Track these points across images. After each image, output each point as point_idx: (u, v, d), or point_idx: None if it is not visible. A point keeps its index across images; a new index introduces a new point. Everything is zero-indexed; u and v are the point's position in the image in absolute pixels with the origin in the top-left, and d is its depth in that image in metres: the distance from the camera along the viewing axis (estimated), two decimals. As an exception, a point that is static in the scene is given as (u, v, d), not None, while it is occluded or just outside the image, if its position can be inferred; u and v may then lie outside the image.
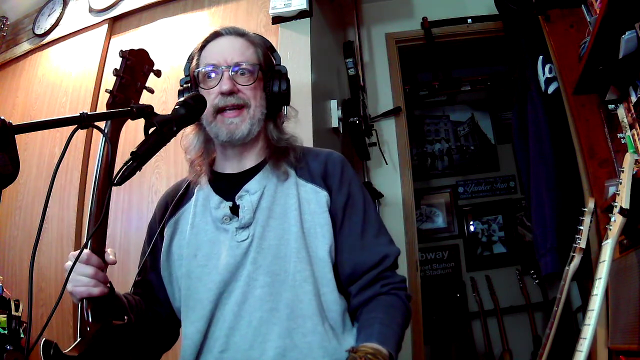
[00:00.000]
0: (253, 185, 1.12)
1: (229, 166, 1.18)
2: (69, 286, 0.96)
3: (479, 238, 4.04)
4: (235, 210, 1.10)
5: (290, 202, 1.09)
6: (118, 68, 1.10)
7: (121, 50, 1.13)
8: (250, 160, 1.17)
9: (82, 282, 0.96)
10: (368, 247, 1.10)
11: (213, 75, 1.12)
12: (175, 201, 1.20)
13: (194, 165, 1.18)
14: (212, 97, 1.10)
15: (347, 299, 1.10)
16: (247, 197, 1.10)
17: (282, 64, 1.22)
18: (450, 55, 3.61)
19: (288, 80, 1.19)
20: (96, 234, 1.00)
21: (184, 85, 1.19)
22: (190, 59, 1.20)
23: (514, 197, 4.08)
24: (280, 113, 1.21)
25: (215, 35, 1.17)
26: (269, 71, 1.18)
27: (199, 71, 1.14)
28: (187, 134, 1.19)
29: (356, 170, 2.81)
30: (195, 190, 1.18)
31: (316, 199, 1.10)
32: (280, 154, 1.15)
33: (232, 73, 1.11)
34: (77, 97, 2.45)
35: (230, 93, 1.10)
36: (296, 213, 1.08)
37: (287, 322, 1.00)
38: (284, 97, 1.18)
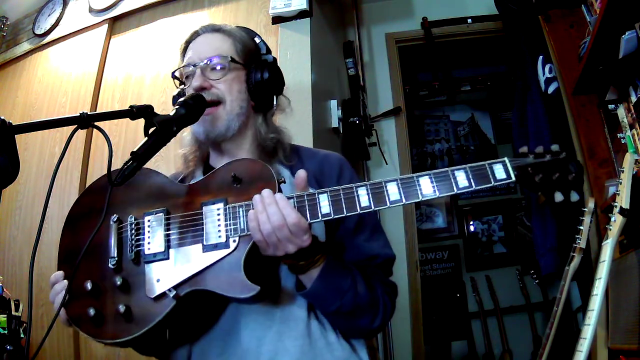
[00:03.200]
0: None
1: (219, 162, 1.14)
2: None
3: (479, 238, 4.04)
4: None
5: None
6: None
7: None
8: (238, 157, 1.12)
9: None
10: (357, 247, 1.07)
11: (191, 73, 1.11)
12: None
13: (187, 161, 1.17)
14: None
15: None
16: None
17: (277, 58, 1.20)
18: (450, 55, 3.61)
19: (275, 69, 1.13)
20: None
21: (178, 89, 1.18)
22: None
23: (514, 197, 4.08)
24: (272, 108, 1.16)
25: (195, 34, 1.17)
26: (252, 62, 1.13)
27: (180, 72, 1.14)
28: (185, 130, 1.19)
29: (356, 170, 2.81)
30: (189, 181, 1.17)
31: None
32: (270, 149, 1.12)
33: (203, 68, 1.08)
34: (77, 97, 2.45)
35: (202, 89, 1.06)
36: None
37: (280, 324, 0.99)
38: (269, 86, 1.11)
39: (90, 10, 2.58)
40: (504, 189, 4.11)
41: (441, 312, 3.74)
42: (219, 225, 0.91)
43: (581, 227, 1.87)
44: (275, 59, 1.19)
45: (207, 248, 0.90)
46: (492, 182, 0.83)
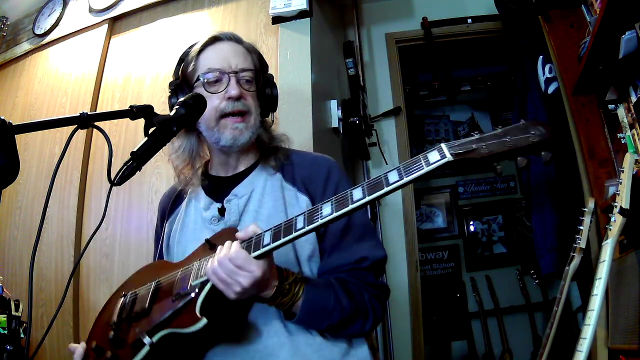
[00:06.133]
0: (241, 189, 1.14)
1: (222, 169, 1.21)
2: None
3: (479, 238, 4.04)
4: (223, 212, 1.13)
5: (277, 204, 1.11)
6: None
7: None
8: (242, 164, 1.19)
9: None
10: (346, 249, 1.09)
11: (219, 79, 1.12)
12: (170, 205, 1.25)
13: (180, 173, 1.20)
14: (216, 102, 1.11)
15: None
16: (235, 200, 1.13)
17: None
18: (450, 55, 3.61)
19: (276, 88, 1.24)
20: None
21: (173, 88, 1.19)
22: (182, 62, 1.20)
23: (514, 197, 4.08)
24: (267, 118, 1.24)
25: (214, 39, 1.18)
26: (265, 79, 1.22)
27: (200, 75, 1.14)
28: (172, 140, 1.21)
29: (356, 170, 2.81)
30: (188, 192, 1.21)
31: (297, 204, 1.11)
32: (270, 155, 1.17)
33: (239, 79, 1.13)
34: (77, 97, 2.45)
35: (238, 98, 1.11)
36: (282, 215, 1.08)
37: (275, 322, 1.02)
38: (275, 103, 1.23)
39: (90, 10, 2.58)
40: (504, 189, 4.11)
41: (441, 312, 3.74)
42: (186, 278, 1.02)
43: (581, 227, 1.87)
44: (272, 76, 1.26)
45: (175, 297, 1.01)
46: (426, 167, 0.76)
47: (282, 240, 0.88)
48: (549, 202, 2.93)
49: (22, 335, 1.68)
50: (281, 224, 0.91)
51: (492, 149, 0.74)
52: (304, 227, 0.86)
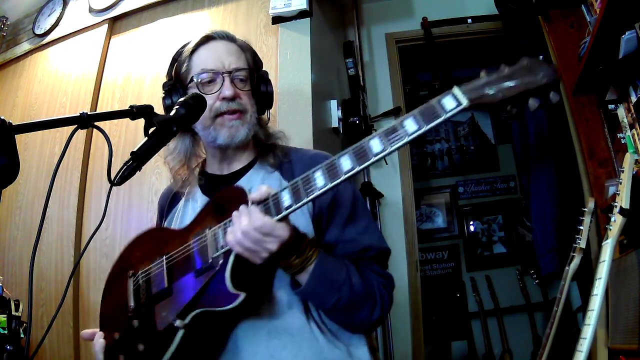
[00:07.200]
0: None
1: (219, 168, 1.20)
2: None
3: (479, 238, 4.04)
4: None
5: None
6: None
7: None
8: (239, 162, 1.18)
9: None
10: (349, 241, 1.07)
11: (212, 80, 1.12)
12: (168, 204, 1.24)
13: (176, 174, 1.20)
14: (211, 102, 1.10)
15: None
16: None
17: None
18: (450, 55, 3.61)
19: (271, 84, 1.23)
20: None
21: (167, 89, 1.18)
22: (176, 63, 1.20)
23: (514, 197, 4.08)
24: (263, 116, 1.24)
25: (207, 39, 1.17)
26: (259, 76, 1.22)
27: (194, 75, 1.13)
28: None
29: (356, 170, 2.81)
30: (186, 192, 1.20)
31: None
32: (267, 153, 1.17)
33: (233, 78, 1.13)
34: (77, 97, 2.45)
35: (233, 98, 1.11)
36: None
37: (273, 321, 1.00)
38: (271, 100, 1.22)
39: (90, 10, 2.58)
40: (504, 189, 4.11)
41: (441, 312, 3.74)
42: (204, 250, 0.97)
43: (581, 227, 1.87)
44: (267, 73, 1.25)
45: (198, 273, 0.96)
46: (444, 115, 0.77)
47: (304, 200, 0.85)
48: (549, 201, 2.93)
49: (22, 335, 1.68)
50: (297, 180, 0.88)
51: (505, 94, 0.75)
52: (326, 185, 0.83)
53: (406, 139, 0.79)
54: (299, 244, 0.93)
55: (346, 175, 0.83)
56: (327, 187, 0.84)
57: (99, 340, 1.05)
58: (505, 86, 0.75)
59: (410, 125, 0.79)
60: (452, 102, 0.77)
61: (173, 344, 0.92)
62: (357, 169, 0.82)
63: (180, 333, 0.92)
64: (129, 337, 1.02)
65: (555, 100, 0.75)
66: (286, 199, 0.88)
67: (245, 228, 0.87)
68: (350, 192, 1.13)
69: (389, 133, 0.81)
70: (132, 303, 1.04)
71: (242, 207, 0.91)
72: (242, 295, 0.88)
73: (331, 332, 1.04)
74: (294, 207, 0.87)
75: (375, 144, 0.82)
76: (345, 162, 0.84)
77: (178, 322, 0.92)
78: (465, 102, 0.76)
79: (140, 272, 1.08)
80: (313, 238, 0.98)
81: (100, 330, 1.09)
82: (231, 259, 0.92)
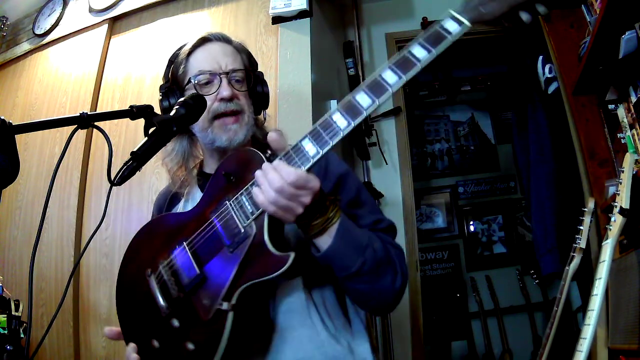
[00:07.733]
0: None
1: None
2: None
3: (479, 238, 4.04)
4: None
5: None
6: None
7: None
8: None
9: None
10: (358, 219, 1.05)
11: (209, 81, 1.13)
12: (167, 204, 1.24)
13: (174, 175, 1.20)
14: (208, 103, 1.10)
15: (342, 296, 1.09)
16: None
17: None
18: (450, 55, 3.60)
19: (267, 85, 1.24)
20: None
21: (164, 91, 1.18)
22: (172, 65, 1.20)
23: (514, 197, 4.08)
24: (259, 116, 1.24)
25: (204, 40, 1.18)
26: (255, 77, 1.22)
27: (192, 77, 1.14)
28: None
29: (356, 170, 2.81)
30: (185, 192, 1.21)
31: None
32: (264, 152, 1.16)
33: (230, 79, 1.13)
34: (77, 97, 2.45)
35: (231, 99, 1.11)
36: None
37: (277, 315, 1.01)
38: (267, 100, 1.23)
39: (90, 10, 2.58)
40: (504, 189, 4.11)
41: (441, 312, 3.74)
42: (231, 222, 0.92)
43: (581, 227, 1.87)
44: (262, 74, 1.26)
45: (231, 247, 0.91)
46: (450, 37, 0.81)
47: (330, 144, 0.84)
48: (549, 202, 2.93)
49: (22, 335, 1.68)
50: (316, 126, 0.86)
51: (498, 10, 0.79)
52: (349, 124, 0.84)
53: (419, 66, 0.81)
54: (324, 200, 0.90)
55: (367, 112, 0.82)
56: (352, 125, 0.83)
57: (132, 356, 0.98)
58: (497, 2, 0.79)
59: (420, 52, 0.82)
60: (454, 24, 0.82)
61: (226, 330, 0.86)
62: (377, 102, 0.82)
63: (230, 315, 0.86)
64: (171, 340, 0.95)
65: (544, 12, 0.79)
66: (309, 147, 0.85)
67: (279, 184, 0.83)
68: (355, 180, 1.13)
69: (399, 63, 0.83)
70: (162, 302, 0.97)
71: (266, 165, 0.87)
72: (292, 254, 0.84)
73: (334, 328, 1.04)
74: (321, 153, 0.84)
75: (389, 76, 0.83)
76: (362, 98, 0.84)
77: (225, 305, 0.86)
78: (467, 22, 0.81)
79: (160, 267, 1.01)
80: (336, 197, 0.94)
81: (128, 344, 1.02)
82: (266, 221, 0.88)
